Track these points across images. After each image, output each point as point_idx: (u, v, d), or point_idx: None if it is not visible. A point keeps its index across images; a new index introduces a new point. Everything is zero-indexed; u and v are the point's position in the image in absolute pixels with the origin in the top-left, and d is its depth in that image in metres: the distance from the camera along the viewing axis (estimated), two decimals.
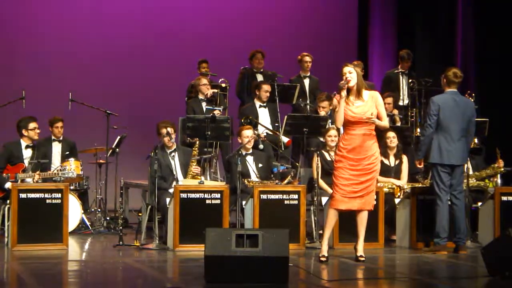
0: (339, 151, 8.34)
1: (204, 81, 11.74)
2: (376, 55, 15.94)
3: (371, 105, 8.27)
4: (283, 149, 11.12)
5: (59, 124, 11.15)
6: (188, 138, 10.78)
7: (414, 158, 9.72)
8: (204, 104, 11.59)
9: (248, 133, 10.23)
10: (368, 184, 8.29)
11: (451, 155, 9.05)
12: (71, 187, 10.63)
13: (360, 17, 16.11)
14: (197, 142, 10.11)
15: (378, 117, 8.32)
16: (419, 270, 8.23)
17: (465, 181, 9.75)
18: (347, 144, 8.25)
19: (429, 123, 9.10)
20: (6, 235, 9.44)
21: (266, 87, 11.67)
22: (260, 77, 12.39)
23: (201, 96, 11.70)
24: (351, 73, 8.22)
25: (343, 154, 8.26)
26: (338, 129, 10.42)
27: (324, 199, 9.84)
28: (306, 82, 12.71)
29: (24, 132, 10.25)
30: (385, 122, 8.42)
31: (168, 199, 9.44)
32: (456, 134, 9.07)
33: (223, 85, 12.11)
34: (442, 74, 9.32)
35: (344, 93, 8.18)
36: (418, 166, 9.54)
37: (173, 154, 10.04)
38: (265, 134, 11.21)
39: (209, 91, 11.71)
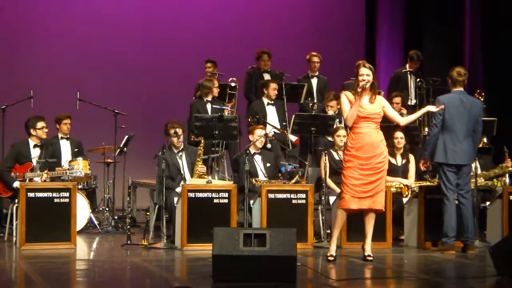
0: (347, 150, 8.32)
1: (216, 83, 11.71)
2: (384, 54, 15.93)
3: (378, 105, 8.29)
4: (290, 148, 11.12)
5: (67, 121, 11.16)
6: (193, 137, 10.77)
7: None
8: (208, 105, 11.55)
9: (261, 132, 10.24)
10: (377, 183, 8.28)
11: (456, 155, 9.03)
12: (79, 186, 10.65)
13: (368, 17, 16.10)
14: (202, 141, 10.10)
15: (387, 115, 8.37)
16: (427, 270, 8.21)
17: (473, 180, 9.74)
18: (355, 142, 8.24)
19: (435, 122, 9.10)
20: (14, 234, 9.47)
21: (273, 85, 11.68)
22: (267, 77, 12.41)
23: (207, 98, 11.63)
24: (369, 76, 8.23)
25: (352, 153, 8.25)
26: (346, 129, 10.44)
27: (332, 199, 9.84)
28: (314, 81, 12.72)
29: (32, 131, 10.27)
30: (400, 118, 8.64)
31: (175, 199, 9.45)
32: (462, 133, 9.06)
33: (233, 84, 12.10)
34: (447, 75, 9.32)
35: (362, 93, 8.19)
36: (422, 168, 9.48)
37: (180, 153, 10.05)
38: (272, 133, 11.21)
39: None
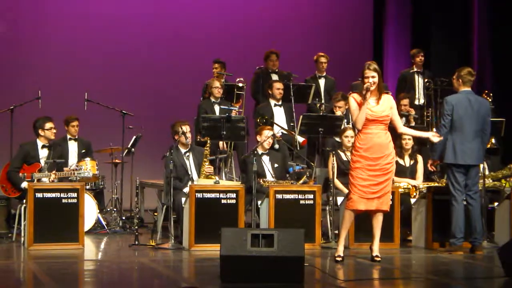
0: (355, 151, 8.31)
1: (217, 84, 11.67)
2: (391, 55, 15.92)
3: (386, 106, 8.27)
4: (298, 149, 11.11)
5: (75, 123, 11.22)
6: (199, 137, 10.77)
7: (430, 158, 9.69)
8: (216, 106, 11.56)
9: (269, 133, 10.24)
10: (385, 184, 8.27)
11: (465, 155, 9.02)
12: (87, 187, 10.67)
13: (375, 17, 16.09)
14: (209, 141, 10.09)
15: (391, 120, 8.35)
16: (435, 270, 8.20)
17: (481, 181, 9.72)
18: (363, 143, 8.23)
19: (443, 123, 9.08)
20: (22, 234, 9.48)
21: (277, 85, 11.67)
22: (275, 77, 12.38)
23: (213, 99, 11.64)
24: (374, 77, 8.21)
25: (360, 154, 8.24)
26: (354, 129, 10.44)
27: (339, 199, 9.84)
28: (322, 82, 12.71)
29: (40, 132, 10.28)
30: (401, 125, 8.56)
31: (183, 199, 9.46)
32: (471, 134, 9.04)
33: (240, 84, 12.10)
34: (453, 75, 9.29)
35: (368, 95, 8.17)
36: (430, 169, 9.50)
37: (187, 154, 10.05)
38: (280, 134, 11.20)
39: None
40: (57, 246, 9.09)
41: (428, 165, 9.43)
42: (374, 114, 8.20)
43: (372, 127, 8.22)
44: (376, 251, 8.38)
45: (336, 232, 9.44)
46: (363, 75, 8.27)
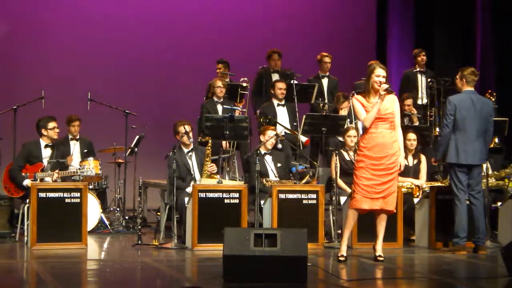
0: (360, 150, 8.31)
1: (219, 83, 11.65)
2: (395, 55, 15.91)
3: (390, 104, 8.26)
4: (301, 148, 11.11)
5: (76, 123, 11.24)
6: (200, 137, 10.77)
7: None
8: (219, 106, 11.56)
9: (272, 133, 10.23)
10: (390, 184, 8.25)
11: (468, 155, 9.01)
12: (90, 187, 10.68)
13: (378, 17, 16.08)
14: (210, 141, 10.08)
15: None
16: (438, 270, 8.19)
17: (485, 180, 9.71)
18: (367, 142, 8.23)
19: (446, 123, 9.08)
20: (25, 234, 9.49)
21: (280, 85, 11.66)
22: (276, 77, 12.38)
23: (215, 98, 11.64)
24: (385, 77, 8.20)
25: (364, 153, 8.23)
26: (357, 129, 10.45)
27: (342, 199, 9.83)
28: (324, 81, 12.71)
29: (43, 131, 10.28)
30: (399, 131, 8.40)
31: (186, 199, 9.46)
32: (473, 133, 9.03)
33: (244, 84, 12.10)
34: (456, 75, 9.28)
35: (382, 93, 8.14)
36: (433, 164, 9.54)
37: (190, 154, 10.05)
38: (283, 133, 11.20)
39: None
40: (60, 246, 9.09)
41: (432, 161, 9.48)
42: (378, 112, 8.18)
43: (377, 125, 8.20)
44: (379, 251, 8.37)
45: (339, 231, 9.44)
46: (372, 74, 8.22)
